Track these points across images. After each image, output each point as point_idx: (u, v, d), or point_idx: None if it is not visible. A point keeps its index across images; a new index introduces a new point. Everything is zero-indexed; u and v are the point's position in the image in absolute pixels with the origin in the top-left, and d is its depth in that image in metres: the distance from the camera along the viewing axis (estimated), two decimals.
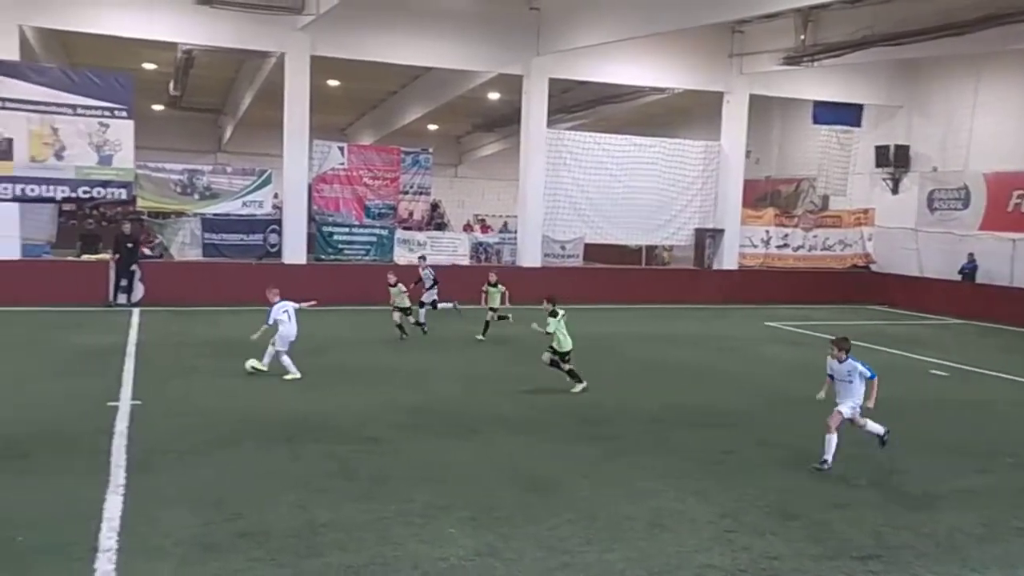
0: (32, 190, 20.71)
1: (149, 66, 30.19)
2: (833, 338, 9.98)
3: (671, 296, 26.81)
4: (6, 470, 8.63)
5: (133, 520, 7.35)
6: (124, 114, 21.27)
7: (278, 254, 23.75)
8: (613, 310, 24.24)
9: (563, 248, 27.20)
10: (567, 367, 13.13)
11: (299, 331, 13.70)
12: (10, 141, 20.23)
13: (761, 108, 29.39)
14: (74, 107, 20.72)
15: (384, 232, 25.26)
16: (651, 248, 33.46)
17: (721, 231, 28.33)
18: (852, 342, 9.99)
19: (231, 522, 7.40)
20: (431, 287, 18.92)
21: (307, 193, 24.33)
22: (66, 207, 26.79)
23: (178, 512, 7.59)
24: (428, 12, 23.76)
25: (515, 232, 27.68)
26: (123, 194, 21.87)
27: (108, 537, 6.96)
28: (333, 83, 32.10)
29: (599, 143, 27.39)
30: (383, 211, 25.65)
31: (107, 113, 21.07)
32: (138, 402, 11.53)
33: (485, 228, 33.59)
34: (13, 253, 20.89)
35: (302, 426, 10.74)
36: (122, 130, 21.26)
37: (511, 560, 6.82)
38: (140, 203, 22.86)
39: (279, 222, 24.09)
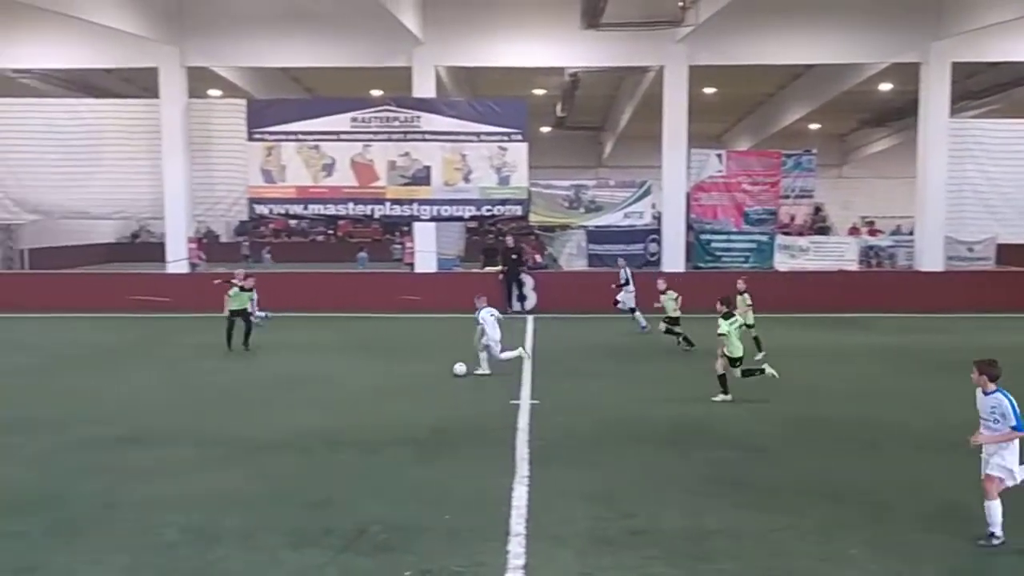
0: (445, 210, 23.51)
1: (539, 91, 32.72)
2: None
3: None
4: (441, 456, 9.86)
5: (537, 509, 7.98)
6: (519, 138, 23.28)
7: (657, 263, 24.26)
8: None
9: (970, 250, 24.30)
10: (737, 370, 12.50)
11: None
12: (428, 168, 23.18)
13: None
14: (478, 134, 23.14)
15: (764, 238, 24.63)
16: None
17: None
18: None
19: (625, 519, 7.72)
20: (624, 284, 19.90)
21: (685, 202, 24.57)
22: (470, 224, 29.99)
23: (575, 505, 8.10)
24: (810, 7, 22.74)
25: (909, 234, 25.31)
26: (518, 210, 23.92)
27: (517, 523, 7.65)
28: (709, 91, 32.09)
29: (1015, 131, 24.08)
30: (763, 217, 25.00)
31: (505, 138, 23.21)
32: (536, 401, 12.49)
33: (873, 231, 31.22)
34: (431, 266, 23.87)
35: (686, 430, 10.86)
36: (518, 152, 23.29)
37: None
38: (532, 218, 24.78)
39: (658, 231, 24.63)
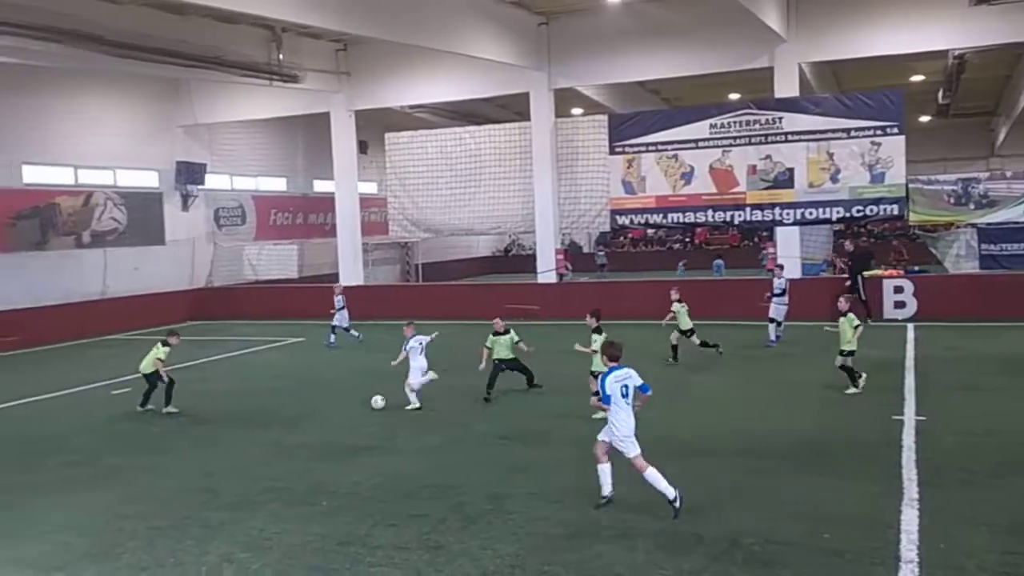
0: (810, 213, 22.36)
1: (916, 78, 29.89)
2: None
3: None
4: (816, 471, 9.40)
5: (930, 536, 7.26)
6: (895, 130, 21.41)
7: None
8: None
9: None
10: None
11: None
12: (791, 170, 22.23)
13: None
14: (847, 131, 21.68)
15: None
16: None
17: None
18: None
19: None
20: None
21: None
22: (835, 227, 28.22)
23: (977, 535, 7.25)
24: None
25: None
26: (894, 210, 21.99)
27: (908, 549, 7.02)
28: None
29: None
30: None
31: (878, 132, 21.48)
32: (922, 417, 11.38)
33: None
34: (795, 272, 22.80)
35: None
36: (893, 147, 21.43)
37: None
38: (912, 217, 22.64)
39: None
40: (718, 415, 12.26)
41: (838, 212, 22.28)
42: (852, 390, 12.99)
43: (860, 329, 13.22)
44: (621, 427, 8.19)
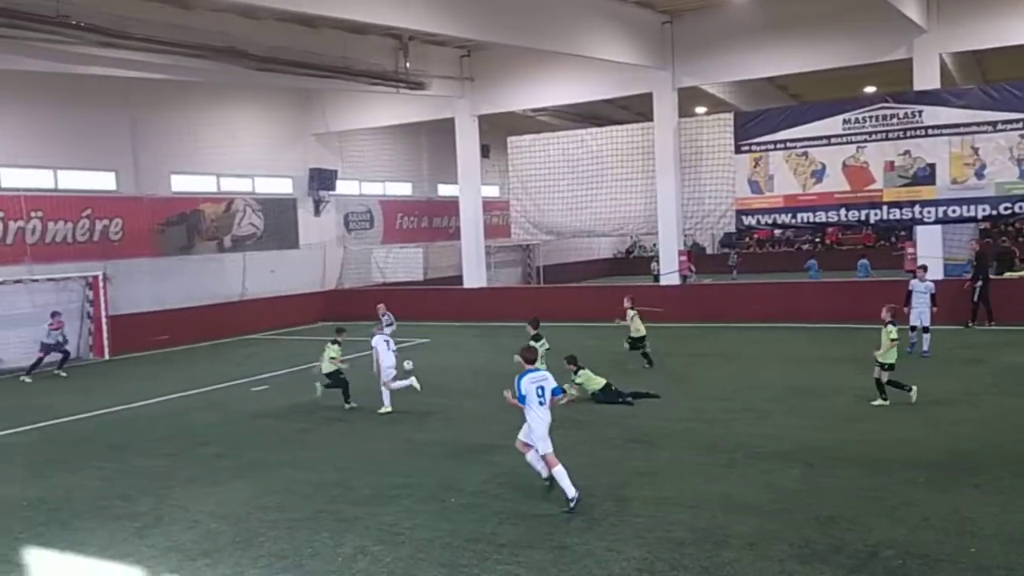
0: (953, 211, 21.16)
1: None
2: None
3: None
4: (960, 483, 8.90)
5: None
6: None
7: None
8: None
9: None
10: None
11: None
12: (932, 166, 21.10)
13: None
14: (994, 123, 20.40)
15: None
16: None
17: None
18: None
19: None
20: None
21: None
22: (981, 225, 26.61)
23: None
24: None
25: None
26: None
27: None
28: None
29: None
30: None
31: None
32: None
33: None
34: (937, 274, 21.58)
35: None
36: None
37: None
38: None
39: None
40: (853, 422, 11.78)
41: (984, 210, 20.99)
42: (878, 402, 12.52)
43: (895, 343, 12.60)
44: (536, 426, 8.77)
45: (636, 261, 45.34)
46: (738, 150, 23.53)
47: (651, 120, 25.29)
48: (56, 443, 13.06)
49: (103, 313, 22.73)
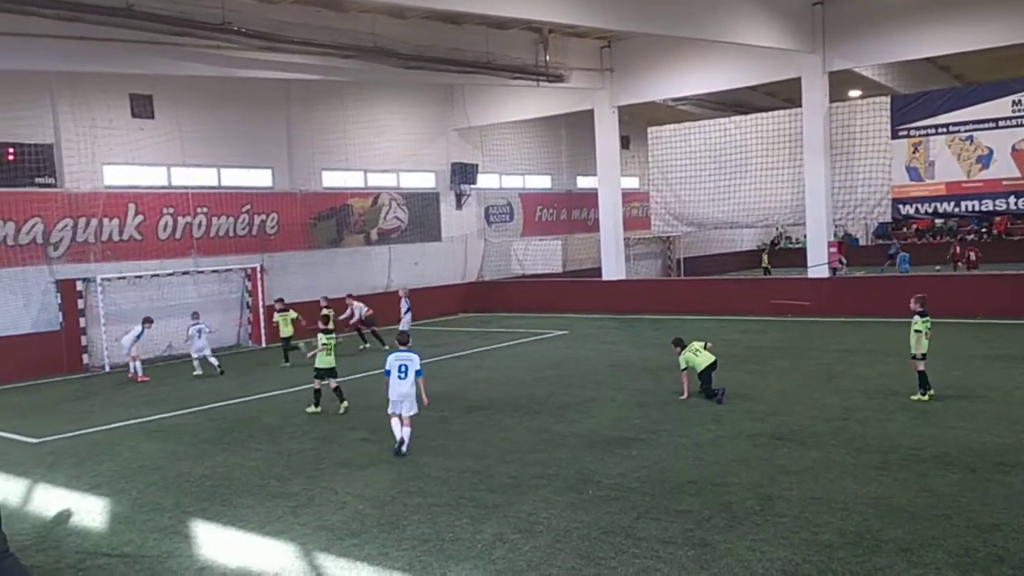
0: None
1: None
2: None
3: None
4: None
5: None
6: None
7: None
8: None
9: None
10: None
11: None
12: None
13: None
14: None
15: None
16: None
17: None
18: None
19: None
20: None
21: None
22: None
23: None
24: None
25: None
26: None
27: None
28: None
29: None
30: None
31: None
32: None
33: None
34: None
35: None
36: None
37: None
38: None
39: None
40: (1022, 425, 10.95)
41: None
42: (916, 396, 12.50)
43: (920, 334, 12.32)
44: (392, 394, 11.07)
45: (783, 253, 43.70)
46: (895, 135, 22.36)
47: (799, 106, 24.34)
48: (219, 425, 13.93)
49: (260, 303, 24.08)
